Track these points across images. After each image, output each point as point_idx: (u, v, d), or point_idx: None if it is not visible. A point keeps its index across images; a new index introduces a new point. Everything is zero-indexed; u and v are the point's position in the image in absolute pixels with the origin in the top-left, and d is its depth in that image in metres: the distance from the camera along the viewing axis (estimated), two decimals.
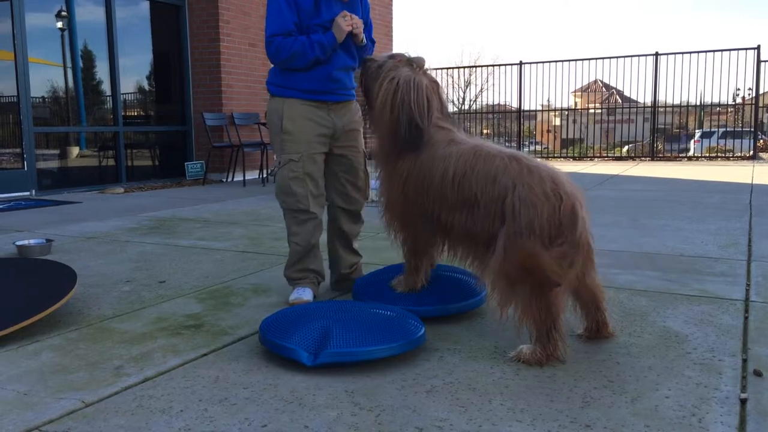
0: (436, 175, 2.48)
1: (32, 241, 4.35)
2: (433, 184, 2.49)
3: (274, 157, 3.10)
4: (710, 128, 15.70)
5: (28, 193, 7.72)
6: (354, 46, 3.01)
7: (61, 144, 8.46)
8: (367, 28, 3.08)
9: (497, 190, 2.32)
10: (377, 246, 4.40)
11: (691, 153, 14.50)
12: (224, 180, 9.47)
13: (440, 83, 2.70)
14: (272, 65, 3.04)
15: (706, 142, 14.63)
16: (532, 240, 2.20)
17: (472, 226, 2.41)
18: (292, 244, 3.07)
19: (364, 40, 3.01)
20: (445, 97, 2.69)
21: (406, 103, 2.53)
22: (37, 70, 7.92)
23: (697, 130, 14.78)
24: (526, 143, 16.11)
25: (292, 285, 3.12)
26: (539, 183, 2.27)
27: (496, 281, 2.31)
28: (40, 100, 8.18)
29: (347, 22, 2.88)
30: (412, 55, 2.68)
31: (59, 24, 8.28)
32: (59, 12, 8.26)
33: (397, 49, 16.05)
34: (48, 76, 8.22)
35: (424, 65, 2.66)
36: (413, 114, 2.53)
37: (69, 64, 8.47)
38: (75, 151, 8.68)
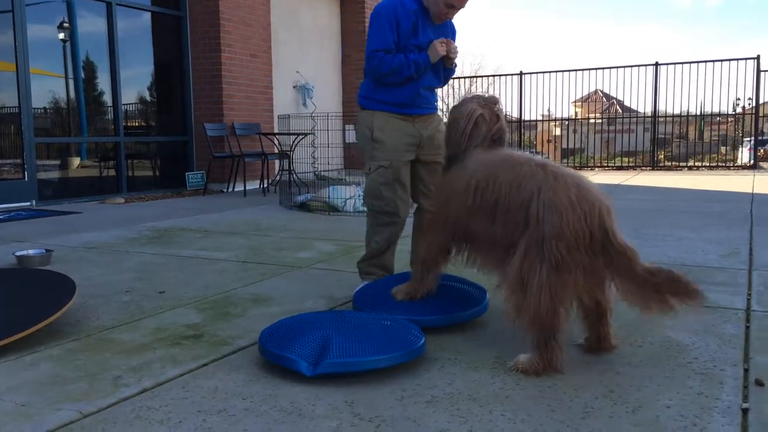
0: (462, 183, 2.59)
1: (32, 252, 4.34)
2: (458, 192, 2.60)
3: (366, 165, 3.32)
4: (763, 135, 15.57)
5: (28, 203, 7.72)
6: (441, 67, 3.27)
7: (62, 154, 8.47)
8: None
9: (521, 196, 2.35)
10: None
11: (745, 160, 14.19)
12: (225, 190, 9.47)
13: (502, 116, 2.88)
14: (365, 79, 3.31)
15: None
16: (557, 244, 2.21)
17: (494, 232, 2.46)
18: (373, 242, 3.29)
19: (455, 63, 3.29)
20: (503, 125, 2.84)
21: (454, 129, 2.82)
22: (38, 80, 7.95)
23: (746, 138, 14.59)
24: (527, 153, 16.10)
25: (361, 276, 3.37)
26: (564, 189, 2.28)
27: (511, 287, 2.32)
28: (42, 110, 8.20)
29: (443, 48, 3.13)
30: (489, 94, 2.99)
31: (61, 35, 8.31)
32: (61, 23, 8.29)
33: None
34: (49, 87, 8.24)
35: (494, 102, 2.86)
36: (457, 136, 2.79)
37: (71, 74, 8.49)
38: (76, 161, 8.69)
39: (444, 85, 3.48)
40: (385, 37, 3.10)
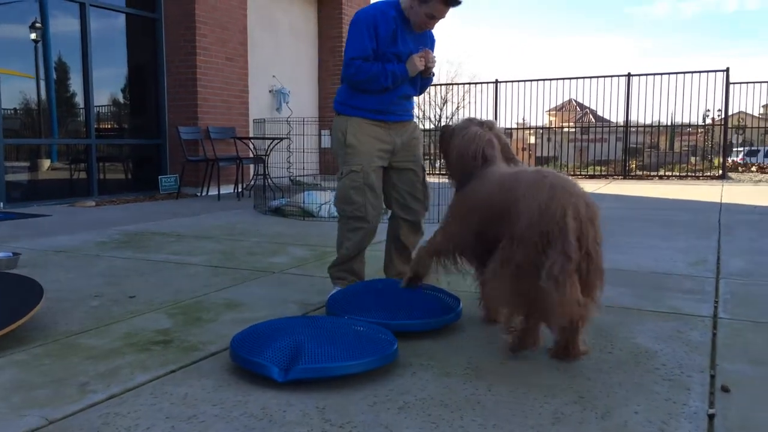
0: (481, 197, 2.70)
1: None
2: (475, 203, 2.73)
3: (339, 170, 3.31)
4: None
5: None
6: (419, 77, 3.27)
7: (31, 156, 8.33)
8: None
9: (506, 198, 2.52)
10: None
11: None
12: (199, 194, 9.39)
13: (503, 138, 3.02)
14: (342, 85, 3.30)
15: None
16: (519, 244, 2.35)
17: (494, 236, 2.58)
18: (343, 248, 3.29)
19: (433, 73, 3.31)
20: (506, 144, 3.00)
21: (464, 148, 2.90)
22: (8, 81, 7.82)
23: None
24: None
25: (333, 282, 3.36)
26: (537, 193, 2.38)
27: (486, 274, 2.52)
28: (12, 111, 8.06)
29: (422, 62, 3.16)
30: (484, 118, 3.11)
31: (33, 35, 8.18)
32: (33, 23, 8.16)
33: None
34: (20, 88, 8.11)
35: (493, 125, 3.00)
36: (467, 156, 2.88)
37: (42, 75, 8.36)
38: (46, 163, 8.55)
39: (421, 94, 3.50)
40: (363, 44, 3.10)
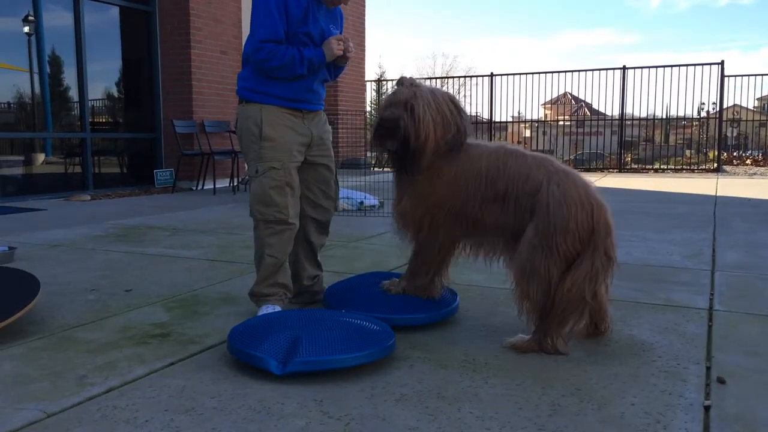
0: (472, 172, 2.63)
1: None
2: (469, 181, 2.64)
3: (246, 165, 3.02)
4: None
5: None
6: (332, 63, 3.00)
7: (26, 150, 8.29)
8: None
9: (530, 186, 2.50)
10: (349, 255, 4.40)
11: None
12: (194, 188, 9.37)
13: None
14: (246, 69, 2.95)
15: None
16: (564, 237, 2.39)
17: (503, 220, 2.58)
18: (267, 257, 2.91)
19: (348, 59, 3.00)
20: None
21: (456, 115, 2.70)
22: (2, 74, 7.77)
23: None
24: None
25: (260, 303, 2.95)
26: (573, 187, 2.46)
27: (518, 273, 2.48)
28: (5, 105, 8.02)
29: (339, 47, 2.88)
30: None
31: (26, 29, 8.13)
32: (26, 16, 8.11)
33: (369, 59, 16.09)
34: (13, 81, 8.06)
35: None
36: (463, 121, 2.71)
37: (36, 69, 8.32)
38: (40, 157, 8.52)
39: (333, 80, 3.14)
40: (275, 25, 2.76)
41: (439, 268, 2.85)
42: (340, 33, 3.04)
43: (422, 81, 2.84)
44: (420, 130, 2.60)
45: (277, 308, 2.91)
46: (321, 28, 2.90)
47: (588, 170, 14.22)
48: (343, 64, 3.03)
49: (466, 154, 2.67)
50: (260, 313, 2.87)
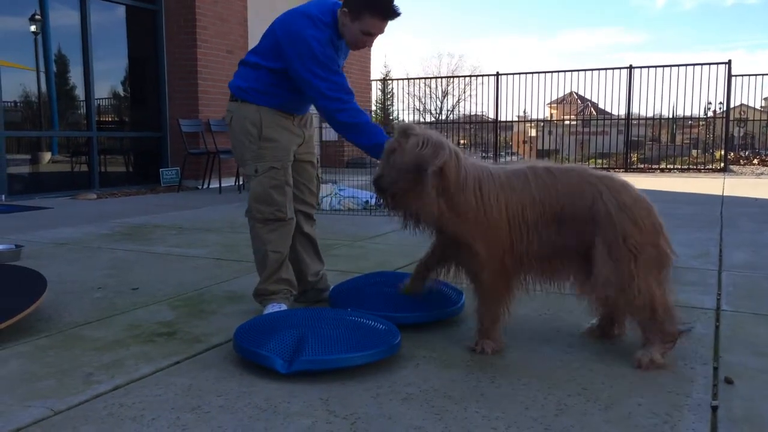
0: (517, 205, 2.41)
1: (1, 247, 4.26)
2: (518, 214, 2.41)
3: (238, 163, 3.05)
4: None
5: None
6: None
7: (32, 149, 8.32)
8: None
9: (583, 201, 2.40)
10: (354, 254, 4.40)
11: None
12: (200, 187, 9.39)
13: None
14: (256, 71, 2.92)
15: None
16: (640, 237, 2.37)
17: (561, 245, 2.43)
18: (270, 253, 2.94)
19: None
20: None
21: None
22: (9, 73, 7.80)
23: None
24: (503, 154, 16.24)
25: (264, 302, 2.96)
26: (625, 191, 2.44)
27: (608, 287, 2.36)
28: (12, 104, 8.05)
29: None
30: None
31: (33, 28, 8.16)
32: (33, 15, 8.15)
33: (375, 58, 16.08)
34: (20, 80, 8.09)
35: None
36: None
37: (42, 68, 8.35)
38: (47, 156, 8.55)
39: None
40: (340, 74, 2.77)
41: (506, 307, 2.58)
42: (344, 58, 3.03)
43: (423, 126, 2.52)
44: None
45: (283, 306, 2.92)
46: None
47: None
48: None
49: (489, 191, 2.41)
50: (266, 311, 2.88)
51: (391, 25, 2.83)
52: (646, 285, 2.36)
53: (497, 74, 14.82)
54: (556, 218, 2.42)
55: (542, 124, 16.03)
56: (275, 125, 2.92)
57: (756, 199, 7.77)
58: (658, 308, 2.36)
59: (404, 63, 73.10)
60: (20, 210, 6.79)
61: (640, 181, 10.75)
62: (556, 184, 2.43)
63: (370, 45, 2.93)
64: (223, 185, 9.05)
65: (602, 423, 1.88)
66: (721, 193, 8.57)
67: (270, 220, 2.93)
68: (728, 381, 2.19)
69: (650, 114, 14.39)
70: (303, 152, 3.09)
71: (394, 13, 2.75)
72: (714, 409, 1.99)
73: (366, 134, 2.77)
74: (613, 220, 2.36)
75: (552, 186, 2.43)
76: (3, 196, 7.62)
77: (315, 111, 2.98)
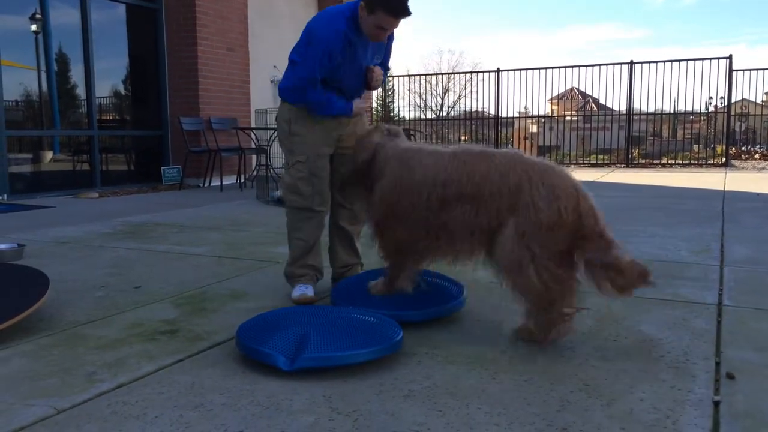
0: (428, 177, 2.62)
1: (4, 246, 4.26)
2: (423, 188, 2.63)
3: (285, 159, 3.26)
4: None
5: (0, 197, 7.58)
6: (363, 87, 3.24)
7: (34, 148, 8.33)
8: (386, 56, 3.29)
9: (509, 184, 2.47)
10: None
11: None
12: (201, 185, 9.39)
13: (400, 132, 3.04)
14: (287, 70, 3.17)
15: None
16: (556, 230, 2.39)
17: (471, 222, 2.55)
18: (296, 240, 3.20)
19: (379, 84, 3.25)
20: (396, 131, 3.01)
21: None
22: (10, 73, 7.80)
23: None
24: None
25: (293, 282, 3.22)
26: (559, 179, 2.46)
27: (509, 268, 2.47)
28: (13, 103, 8.06)
29: (364, 104, 3.23)
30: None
31: (33, 27, 8.16)
32: (33, 14, 8.14)
33: None
34: (21, 80, 8.09)
35: (397, 133, 2.98)
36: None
37: (43, 67, 8.35)
38: (48, 155, 8.56)
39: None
40: (314, 68, 2.97)
41: (399, 269, 2.89)
42: (385, 54, 3.27)
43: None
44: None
45: (311, 287, 3.18)
46: (366, 60, 3.11)
47: (595, 165, 14.18)
48: (373, 90, 3.33)
49: (406, 166, 2.72)
50: (294, 292, 3.15)
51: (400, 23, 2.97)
52: (548, 275, 2.41)
53: (498, 70, 14.80)
54: (471, 197, 2.53)
55: (543, 120, 16.01)
56: (306, 121, 3.11)
57: (758, 194, 7.77)
58: (556, 301, 2.44)
59: (405, 60, 73.04)
60: (22, 209, 6.80)
61: (642, 177, 10.75)
62: (477, 166, 2.54)
63: (383, 38, 3.07)
64: (224, 183, 9.05)
65: (604, 418, 1.89)
66: (722, 188, 8.57)
67: (299, 209, 3.17)
68: (730, 376, 2.19)
69: (651, 109, 14.39)
70: (345, 146, 3.18)
71: (404, 12, 2.88)
72: (716, 404, 1.99)
73: (326, 108, 3.07)
74: (533, 207, 2.41)
75: (472, 167, 2.55)
76: (5, 196, 7.62)
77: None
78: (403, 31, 71.64)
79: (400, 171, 2.73)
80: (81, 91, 8.74)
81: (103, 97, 9.12)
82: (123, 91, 9.51)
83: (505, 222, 2.47)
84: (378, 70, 3.17)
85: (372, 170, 2.87)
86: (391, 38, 3.26)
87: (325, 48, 2.95)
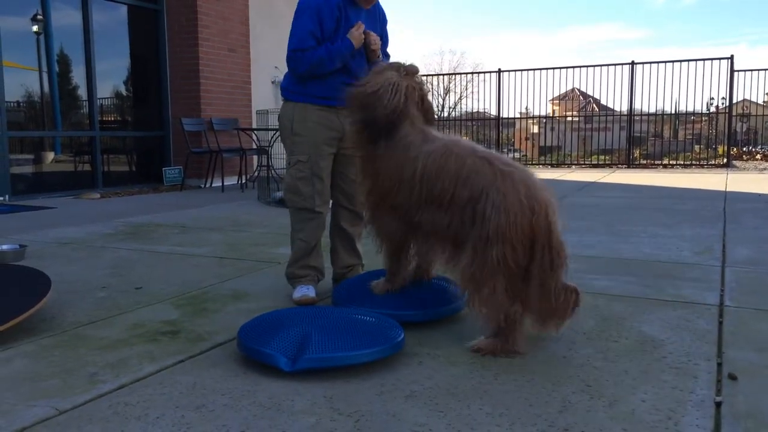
0: (407, 171, 2.56)
1: (5, 247, 4.27)
2: (403, 179, 2.57)
3: (286, 159, 3.25)
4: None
5: (1, 198, 7.59)
6: (365, 63, 3.11)
7: (35, 149, 8.34)
8: (383, 41, 3.24)
9: (468, 192, 2.38)
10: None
11: None
12: (202, 186, 9.40)
13: (425, 88, 2.81)
14: (287, 71, 3.16)
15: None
16: (503, 246, 2.28)
17: (440, 226, 2.50)
18: (297, 241, 3.20)
19: (380, 55, 3.16)
20: (428, 101, 2.80)
21: (381, 99, 2.62)
22: (11, 74, 7.81)
23: None
24: (505, 150, 16.22)
25: (294, 283, 3.21)
26: (513, 190, 2.33)
27: (465, 283, 2.42)
28: (15, 104, 8.06)
29: (359, 33, 3.02)
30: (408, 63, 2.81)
31: (35, 28, 8.17)
32: (35, 15, 8.15)
33: None
34: (23, 80, 8.10)
35: (414, 71, 2.77)
36: (386, 109, 2.61)
37: (45, 68, 8.36)
38: (50, 156, 8.56)
39: None
40: (304, 34, 2.97)
41: (395, 258, 2.84)
42: (384, 41, 3.23)
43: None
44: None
45: (312, 288, 3.17)
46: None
47: (596, 166, 14.17)
48: (375, 59, 3.12)
49: (404, 150, 2.60)
50: (295, 293, 3.14)
51: (393, 22, 2.90)
52: (498, 291, 2.34)
53: (499, 71, 14.79)
54: (436, 201, 2.47)
55: (544, 120, 16.01)
56: (308, 120, 3.10)
57: (760, 195, 7.76)
58: (504, 318, 2.38)
59: (406, 60, 72.93)
60: (24, 210, 6.81)
61: (643, 177, 10.74)
62: (445, 167, 2.46)
63: (373, 2, 3.11)
64: (225, 184, 9.06)
65: (606, 419, 1.89)
66: (724, 189, 8.56)
67: (300, 209, 3.16)
68: (732, 377, 2.19)
69: (652, 110, 14.37)
70: (348, 146, 3.12)
71: None
72: (718, 405, 1.99)
73: (327, 60, 2.98)
74: (486, 220, 2.32)
75: (441, 167, 2.46)
76: (6, 196, 7.63)
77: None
78: (403, 32, 71.61)
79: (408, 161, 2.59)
80: (82, 92, 8.75)
81: (105, 98, 9.13)
82: (124, 92, 9.52)
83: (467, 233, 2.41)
84: (374, 34, 3.10)
85: (391, 135, 2.65)
86: (384, 21, 3.26)
87: (312, 11, 2.97)
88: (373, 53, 3.10)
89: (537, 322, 2.46)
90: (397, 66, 2.76)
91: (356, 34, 3.01)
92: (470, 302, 2.45)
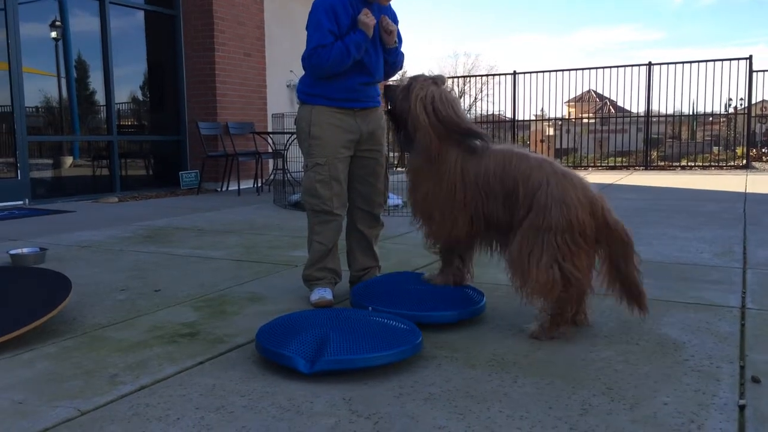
0: (481, 170, 2.74)
1: (26, 250, 4.32)
2: (478, 177, 2.74)
3: (304, 161, 3.26)
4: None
5: (21, 202, 7.68)
6: (381, 53, 3.18)
7: (54, 153, 8.43)
8: (398, 41, 3.26)
9: (531, 185, 2.61)
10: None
11: None
12: (219, 189, 9.45)
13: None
14: (304, 73, 3.18)
15: None
16: (564, 235, 2.51)
17: (504, 218, 2.71)
18: (315, 243, 3.21)
19: (396, 41, 3.20)
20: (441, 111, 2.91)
21: (451, 111, 2.80)
22: (31, 79, 7.91)
23: None
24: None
25: (311, 286, 3.23)
26: (571, 186, 2.58)
27: (513, 264, 2.63)
28: (34, 109, 8.16)
29: (368, 17, 3.02)
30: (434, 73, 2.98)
31: (53, 34, 8.27)
32: (53, 22, 8.25)
33: None
34: (42, 86, 8.20)
35: (445, 82, 2.92)
36: (464, 122, 2.82)
37: (63, 73, 8.45)
38: (69, 160, 8.65)
39: (393, 74, 3.35)
40: (322, 31, 2.99)
41: (451, 254, 3.01)
42: (398, 40, 3.25)
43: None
44: (413, 109, 2.81)
45: (329, 290, 3.17)
46: (374, 35, 3.09)
47: (613, 168, 14.07)
48: (392, 46, 3.18)
49: (481, 152, 2.78)
50: (312, 295, 3.15)
51: (407, 24, 2.96)
52: (547, 275, 2.52)
53: (514, 73, 14.75)
54: (505, 195, 2.69)
55: (560, 122, 15.93)
56: (324, 123, 3.11)
57: None
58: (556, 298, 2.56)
59: (421, 63, 73.10)
60: (43, 213, 6.88)
61: (661, 179, 10.65)
62: (511, 165, 2.69)
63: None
64: (242, 187, 9.10)
65: (628, 423, 1.87)
66: (743, 190, 8.46)
67: (318, 212, 3.17)
68: (755, 380, 2.16)
69: (670, 111, 14.26)
70: (366, 149, 3.22)
71: None
72: (741, 408, 1.96)
73: (345, 52, 2.98)
74: (546, 211, 2.53)
75: (508, 165, 2.69)
76: (27, 200, 7.73)
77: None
78: (417, 35, 71.64)
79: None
80: (100, 97, 8.84)
81: (122, 103, 9.21)
82: (141, 97, 9.60)
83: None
84: (386, 17, 3.13)
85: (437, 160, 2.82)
86: (396, 21, 3.26)
87: (328, 9, 3.00)
88: (389, 38, 3.14)
89: (628, 305, 2.72)
90: (433, 79, 2.89)
91: (365, 19, 3.00)
92: (517, 284, 2.63)
